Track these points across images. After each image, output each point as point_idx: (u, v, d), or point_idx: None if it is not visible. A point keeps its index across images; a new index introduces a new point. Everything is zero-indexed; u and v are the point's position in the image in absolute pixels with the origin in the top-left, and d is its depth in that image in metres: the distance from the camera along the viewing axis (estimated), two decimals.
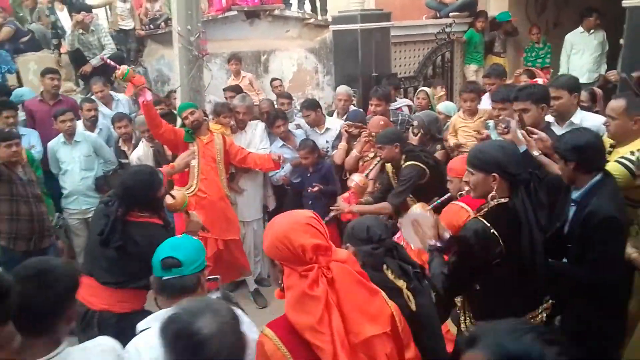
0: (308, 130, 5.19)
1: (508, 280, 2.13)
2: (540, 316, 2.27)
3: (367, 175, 3.97)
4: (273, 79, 6.86)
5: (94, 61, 5.99)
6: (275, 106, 5.50)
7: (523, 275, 2.13)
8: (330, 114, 5.54)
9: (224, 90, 5.88)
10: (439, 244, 2.27)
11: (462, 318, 2.39)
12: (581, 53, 6.53)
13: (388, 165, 3.84)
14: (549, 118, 3.67)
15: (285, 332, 1.58)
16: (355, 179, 3.83)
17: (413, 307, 1.94)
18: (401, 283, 2.00)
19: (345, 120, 4.81)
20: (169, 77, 6.86)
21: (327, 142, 4.99)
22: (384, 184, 3.98)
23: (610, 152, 2.87)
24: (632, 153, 2.69)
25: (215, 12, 7.10)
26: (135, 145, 4.93)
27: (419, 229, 2.31)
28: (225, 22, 7.28)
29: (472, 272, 2.14)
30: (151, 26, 7.11)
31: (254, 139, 4.94)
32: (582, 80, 6.25)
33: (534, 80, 4.63)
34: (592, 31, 6.57)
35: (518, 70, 6.17)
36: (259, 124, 5.01)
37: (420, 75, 7.02)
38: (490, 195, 2.16)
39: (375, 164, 4.00)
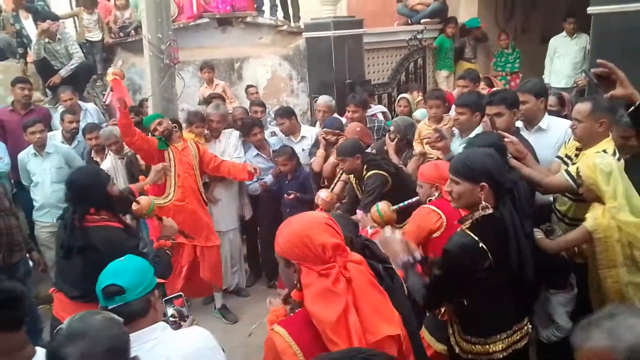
0: (283, 139, 5.16)
1: (496, 292, 2.10)
2: (525, 327, 2.26)
3: (332, 190, 4.03)
4: (248, 86, 6.82)
5: (63, 72, 5.84)
6: (249, 114, 5.46)
7: (511, 286, 2.11)
8: (314, 124, 5.55)
9: (206, 100, 5.79)
10: (411, 259, 2.23)
11: (450, 331, 2.36)
12: (562, 57, 6.57)
13: (351, 177, 3.88)
14: (518, 123, 3.76)
15: (297, 330, 1.56)
16: (321, 195, 3.87)
17: None
18: None
19: (323, 127, 4.80)
20: (140, 85, 6.74)
21: (302, 150, 4.98)
22: (350, 195, 4.01)
23: (577, 155, 2.94)
24: (605, 151, 2.73)
25: (186, 20, 7.02)
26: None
27: (389, 250, 2.26)
28: (196, 30, 7.20)
29: (458, 286, 2.11)
30: (121, 34, 6.98)
31: (228, 148, 4.89)
32: (561, 85, 6.42)
33: (491, 88, 4.75)
34: (575, 36, 6.61)
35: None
36: (233, 132, 4.96)
37: (394, 82, 7.08)
38: (481, 205, 2.09)
39: (338, 177, 4.06)
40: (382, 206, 3.12)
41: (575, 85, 6.34)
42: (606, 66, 2.30)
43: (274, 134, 5.24)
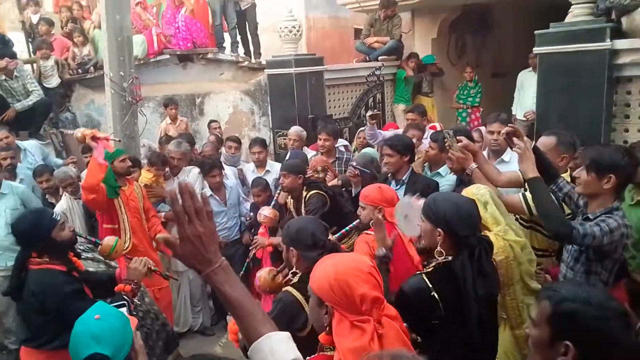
0: (249, 173, 5.21)
1: (450, 339, 2.04)
2: None
3: (273, 207, 4.12)
4: (211, 121, 6.84)
5: (19, 106, 5.71)
6: (223, 149, 5.48)
7: (467, 337, 2.03)
8: (276, 158, 5.63)
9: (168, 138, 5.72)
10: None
11: None
12: (526, 91, 6.82)
13: (289, 201, 4.00)
14: (484, 153, 3.95)
15: None
16: (264, 213, 3.97)
17: None
18: None
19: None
20: (99, 121, 6.65)
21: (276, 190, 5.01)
22: (284, 217, 4.09)
23: None
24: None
25: (147, 56, 7.03)
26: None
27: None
28: (157, 66, 7.22)
29: (409, 321, 2.06)
30: (79, 71, 6.90)
31: None
32: (519, 117, 6.72)
33: (433, 126, 5.10)
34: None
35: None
36: (193, 169, 4.92)
37: (355, 116, 7.26)
38: (436, 250, 2.09)
39: (278, 193, 4.16)
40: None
41: (525, 119, 6.66)
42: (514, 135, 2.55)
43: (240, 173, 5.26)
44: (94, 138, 3.75)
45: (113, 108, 4.83)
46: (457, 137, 3.00)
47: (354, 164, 4.33)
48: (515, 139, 2.54)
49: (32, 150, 5.34)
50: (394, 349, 1.43)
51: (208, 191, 4.75)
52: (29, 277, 2.63)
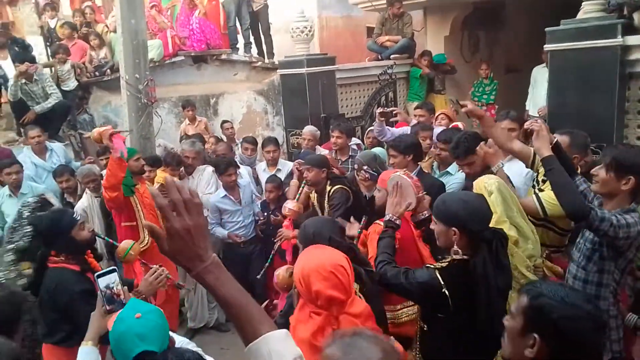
0: (260, 172, 5.28)
1: (460, 334, 2.06)
2: None
3: (298, 200, 4.13)
4: (224, 122, 6.93)
5: (38, 108, 5.86)
6: (239, 150, 5.56)
7: (473, 332, 2.02)
8: (290, 157, 5.72)
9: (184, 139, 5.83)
10: (397, 222, 2.24)
11: (412, 353, 2.37)
12: (540, 86, 6.76)
13: (312, 195, 4.02)
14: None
15: None
16: (288, 206, 3.98)
17: None
18: (355, 286, 1.98)
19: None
20: (116, 123, 6.77)
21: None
22: (307, 211, 4.12)
23: (544, 181, 3.06)
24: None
25: (162, 58, 7.15)
26: (81, 196, 4.80)
27: (395, 193, 2.26)
28: (172, 67, 7.34)
29: (416, 302, 2.11)
30: (96, 73, 7.05)
31: (201, 183, 4.94)
32: (532, 113, 6.68)
33: (455, 124, 4.95)
34: None
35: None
36: (207, 168, 5.01)
37: (367, 115, 7.30)
38: (453, 249, 2.08)
39: (302, 187, 4.15)
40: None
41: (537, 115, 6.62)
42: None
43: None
44: (111, 135, 3.76)
45: (129, 110, 4.95)
46: (461, 103, 3.06)
47: (358, 164, 4.37)
48: (532, 121, 2.57)
49: (58, 152, 5.57)
50: (357, 327, 1.54)
51: (222, 191, 4.77)
52: (46, 274, 2.73)
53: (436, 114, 5.27)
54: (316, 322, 1.60)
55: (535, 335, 1.40)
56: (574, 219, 2.37)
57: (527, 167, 3.11)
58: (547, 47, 4.56)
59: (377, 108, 5.61)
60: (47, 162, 5.36)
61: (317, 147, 5.43)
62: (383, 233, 2.33)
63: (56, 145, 5.69)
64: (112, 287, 2.20)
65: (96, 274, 2.22)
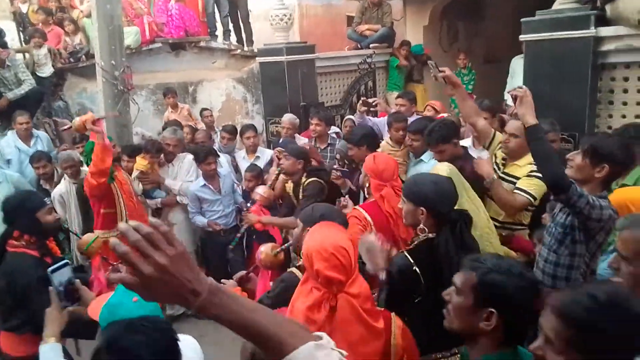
0: (240, 160, 5.27)
1: (431, 315, 2.03)
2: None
3: (270, 187, 4.18)
4: (203, 109, 6.88)
5: (11, 95, 5.73)
6: (218, 138, 5.53)
7: (441, 313, 2.02)
8: (269, 146, 5.71)
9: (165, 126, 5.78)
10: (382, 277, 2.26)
11: None
12: (518, 77, 6.84)
13: (288, 185, 4.05)
14: (467, 142, 4.03)
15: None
16: (259, 191, 4.03)
17: None
18: None
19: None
20: (91, 110, 6.62)
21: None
22: (285, 200, 4.17)
23: (503, 164, 3.21)
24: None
25: (139, 45, 7.04)
26: (57, 183, 4.73)
27: (370, 257, 2.28)
28: (149, 54, 7.24)
29: (398, 303, 2.16)
30: (71, 59, 6.91)
31: (181, 171, 4.91)
32: (510, 103, 6.75)
33: (441, 116, 4.98)
34: None
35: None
36: (187, 156, 4.98)
37: (346, 104, 7.31)
38: (419, 228, 2.19)
39: (277, 174, 4.19)
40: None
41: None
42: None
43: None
44: (94, 122, 3.70)
45: (105, 97, 4.87)
46: (440, 68, 3.12)
47: (338, 156, 4.41)
48: (517, 88, 2.54)
49: (43, 139, 5.61)
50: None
51: (202, 181, 4.74)
52: (5, 258, 2.69)
53: (425, 105, 5.33)
54: (315, 297, 1.66)
55: (492, 310, 1.45)
56: (555, 190, 2.38)
57: (483, 146, 3.26)
58: (523, 37, 4.63)
59: (357, 98, 5.65)
60: (31, 148, 5.34)
61: (297, 135, 5.43)
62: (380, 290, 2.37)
63: (42, 134, 5.73)
64: (66, 282, 2.16)
65: (49, 269, 2.15)
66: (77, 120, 3.79)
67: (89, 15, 6.53)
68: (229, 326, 0.96)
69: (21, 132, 5.38)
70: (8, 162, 5.32)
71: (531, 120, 2.41)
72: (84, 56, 6.86)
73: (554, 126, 3.26)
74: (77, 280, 2.21)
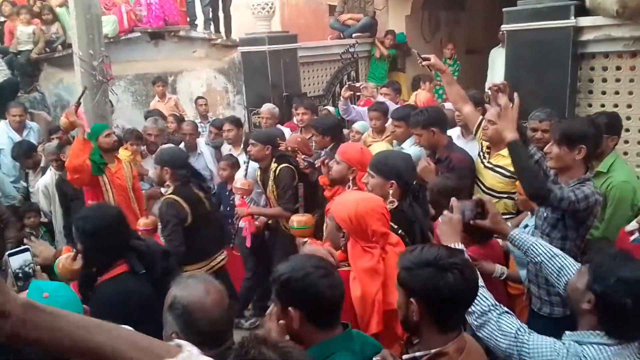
0: (225, 153, 5.23)
1: None
2: None
3: (245, 176, 4.15)
4: (198, 97, 6.77)
5: None
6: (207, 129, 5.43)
7: None
8: None
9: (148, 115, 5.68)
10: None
11: None
12: (497, 67, 6.87)
13: (257, 172, 4.05)
14: (455, 131, 4.04)
15: None
16: (238, 184, 4.00)
17: None
18: None
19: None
20: (69, 101, 6.53)
21: (244, 162, 5.02)
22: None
23: (488, 153, 3.27)
24: None
25: (117, 34, 6.90)
26: (43, 173, 4.69)
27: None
28: (128, 44, 7.11)
29: None
30: (47, 49, 6.74)
31: None
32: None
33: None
34: None
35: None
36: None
37: (329, 94, 7.29)
38: (388, 199, 2.34)
39: (246, 163, 4.17)
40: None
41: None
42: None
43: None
44: (75, 112, 3.70)
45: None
46: (423, 56, 3.22)
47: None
48: (500, 95, 2.56)
49: (36, 132, 5.65)
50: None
51: None
52: None
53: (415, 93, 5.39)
54: (373, 254, 1.92)
55: (412, 300, 1.50)
56: (536, 201, 2.52)
57: (470, 132, 3.42)
58: (505, 27, 4.65)
59: (339, 87, 5.63)
60: (24, 139, 5.33)
61: (278, 125, 5.38)
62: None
63: (35, 125, 5.77)
64: (25, 267, 2.13)
65: (7, 253, 2.13)
66: (63, 119, 3.83)
67: (61, 5, 6.38)
68: (58, 350, 0.77)
69: (14, 124, 5.43)
70: (0, 151, 5.35)
71: (510, 135, 2.39)
72: (60, 46, 6.71)
73: (550, 115, 3.30)
74: (38, 267, 2.24)
